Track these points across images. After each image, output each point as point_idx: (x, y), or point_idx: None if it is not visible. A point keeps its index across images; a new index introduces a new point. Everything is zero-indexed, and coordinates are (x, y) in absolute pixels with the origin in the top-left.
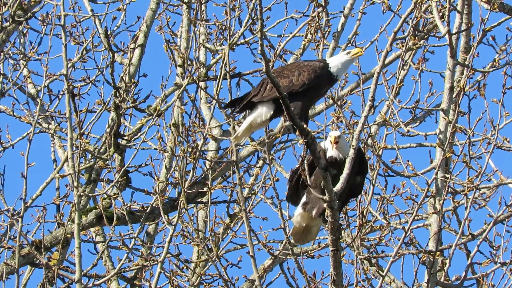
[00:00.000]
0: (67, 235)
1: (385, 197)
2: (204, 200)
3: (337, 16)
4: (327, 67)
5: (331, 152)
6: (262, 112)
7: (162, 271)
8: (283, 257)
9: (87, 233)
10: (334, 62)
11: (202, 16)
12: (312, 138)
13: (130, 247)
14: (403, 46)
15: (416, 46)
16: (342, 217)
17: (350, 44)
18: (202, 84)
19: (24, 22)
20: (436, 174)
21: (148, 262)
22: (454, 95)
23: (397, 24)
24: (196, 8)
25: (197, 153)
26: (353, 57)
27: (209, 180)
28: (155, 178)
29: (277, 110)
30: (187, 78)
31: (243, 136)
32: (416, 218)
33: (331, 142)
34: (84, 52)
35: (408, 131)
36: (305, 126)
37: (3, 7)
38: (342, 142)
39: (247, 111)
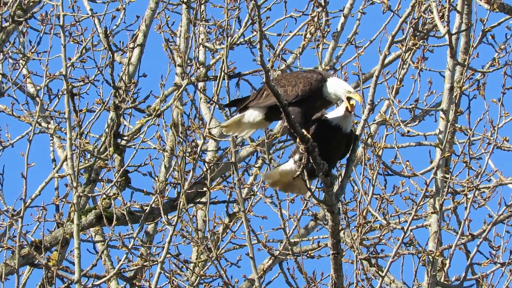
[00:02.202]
0: (67, 235)
1: (384, 197)
2: (203, 200)
3: (336, 16)
4: (324, 82)
5: (339, 118)
6: (253, 114)
7: (162, 271)
8: (283, 257)
9: (86, 233)
10: (331, 84)
11: (202, 15)
12: (313, 145)
13: (129, 247)
14: (403, 46)
15: (416, 46)
16: (341, 217)
17: (349, 44)
18: (201, 84)
19: (23, 22)
20: (435, 174)
21: (147, 262)
22: (453, 96)
23: (396, 24)
24: (195, 8)
25: (197, 153)
26: (346, 101)
27: (208, 181)
28: (155, 178)
29: (269, 116)
30: (186, 78)
31: (232, 128)
32: (415, 218)
33: (350, 105)
34: (84, 51)
35: (408, 131)
36: (305, 133)
37: (3, 7)
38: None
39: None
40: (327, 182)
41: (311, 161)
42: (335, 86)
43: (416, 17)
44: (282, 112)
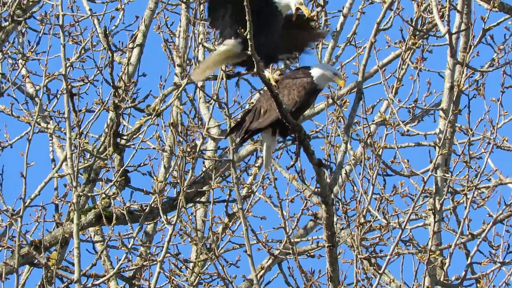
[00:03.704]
0: (66, 235)
1: (384, 196)
2: (203, 199)
3: (336, 15)
4: (313, 79)
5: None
6: (266, 138)
7: (162, 271)
8: (283, 256)
9: (85, 233)
10: (316, 72)
11: (201, 15)
12: (305, 134)
13: (129, 247)
14: (402, 45)
15: (416, 45)
16: (341, 217)
17: (349, 44)
18: (200, 83)
19: (23, 21)
20: (431, 172)
21: (147, 262)
22: (453, 95)
23: (395, 22)
24: (195, 8)
25: (196, 153)
26: (333, 80)
27: (207, 180)
28: (155, 178)
29: (274, 131)
30: (185, 78)
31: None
32: (415, 217)
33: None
34: (83, 51)
35: (408, 130)
36: (297, 123)
37: (2, 7)
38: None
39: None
40: (320, 172)
41: (304, 150)
42: (321, 72)
43: (415, 14)
44: (274, 102)
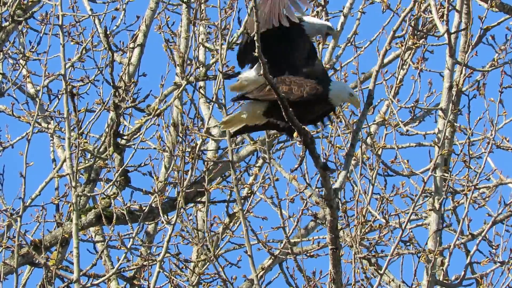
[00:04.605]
0: (66, 235)
1: (384, 196)
2: (203, 200)
3: (336, 15)
4: (328, 89)
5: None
6: (252, 107)
7: (161, 271)
8: (283, 256)
9: (87, 233)
10: (335, 89)
11: (202, 15)
12: (311, 138)
13: (128, 246)
14: (402, 45)
15: (416, 45)
16: (340, 216)
17: (349, 44)
18: (201, 83)
19: (23, 21)
20: (432, 171)
21: (147, 262)
22: (452, 95)
23: (396, 22)
24: (195, 8)
25: (196, 153)
26: (348, 100)
27: (206, 181)
28: (154, 177)
29: (268, 112)
30: (185, 78)
31: (232, 123)
32: (415, 217)
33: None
34: (84, 51)
35: (407, 130)
36: (303, 126)
37: (3, 6)
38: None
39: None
40: (326, 176)
41: (309, 153)
42: (338, 89)
43: (415, 14)
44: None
